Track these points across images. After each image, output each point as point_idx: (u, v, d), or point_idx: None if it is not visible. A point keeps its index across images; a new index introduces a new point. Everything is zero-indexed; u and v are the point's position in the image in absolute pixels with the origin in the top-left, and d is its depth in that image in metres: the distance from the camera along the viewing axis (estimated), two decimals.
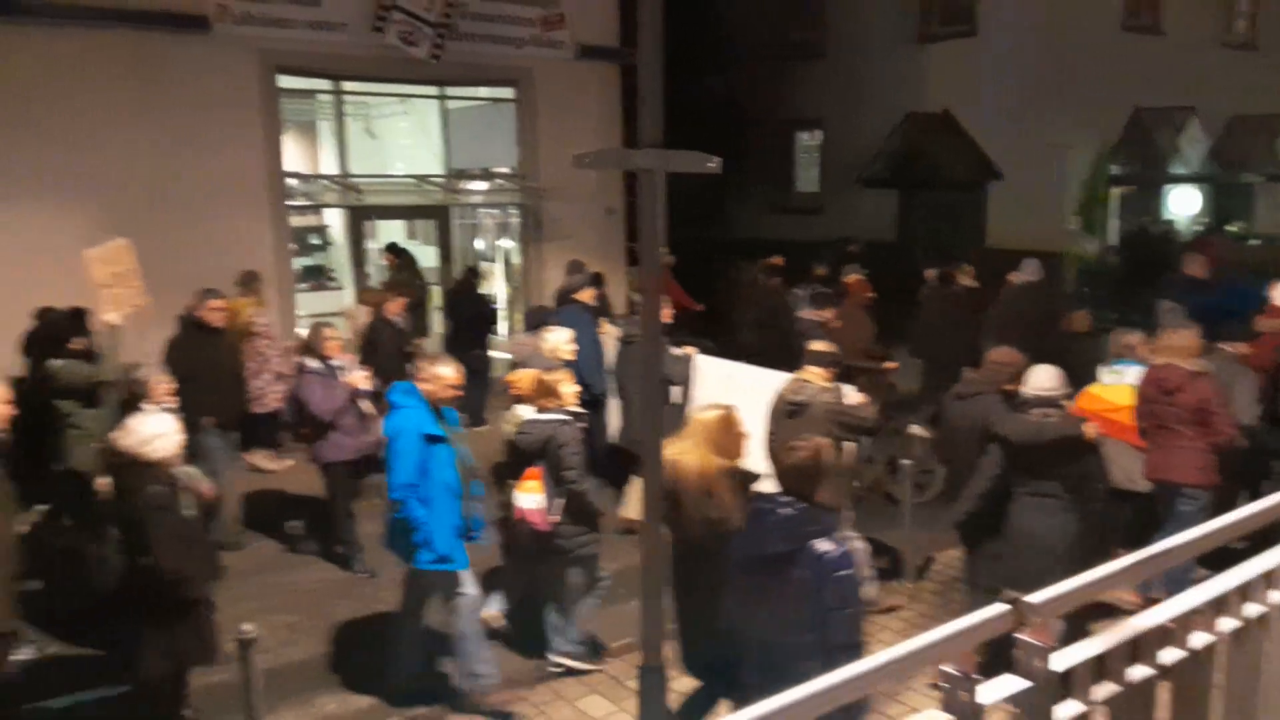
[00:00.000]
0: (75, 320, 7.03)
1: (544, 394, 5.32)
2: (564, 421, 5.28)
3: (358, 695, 5.36)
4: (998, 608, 2.33)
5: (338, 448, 6.53)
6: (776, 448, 3.67)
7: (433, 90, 11.68)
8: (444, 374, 5.10)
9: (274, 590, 6.28)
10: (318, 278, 11.81)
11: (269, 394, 8.10)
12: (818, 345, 6.10)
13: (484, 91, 12.04)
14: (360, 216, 11.40)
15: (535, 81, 11.66)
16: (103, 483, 4.56)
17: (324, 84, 11.07)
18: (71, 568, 5.25)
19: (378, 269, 11.39)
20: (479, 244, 12.82)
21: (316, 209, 11.63)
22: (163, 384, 5.56)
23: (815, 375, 5.85)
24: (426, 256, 11.91)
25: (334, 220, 11.89)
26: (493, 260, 12.56)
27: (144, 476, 4.19)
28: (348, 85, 11.26)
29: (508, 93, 11.81)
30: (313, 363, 6.59)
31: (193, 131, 9.41)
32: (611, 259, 11.97)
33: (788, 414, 5.75)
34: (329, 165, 11.77)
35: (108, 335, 6.51)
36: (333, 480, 6.69)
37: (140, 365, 5.89)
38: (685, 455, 4.24)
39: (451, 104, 11.92)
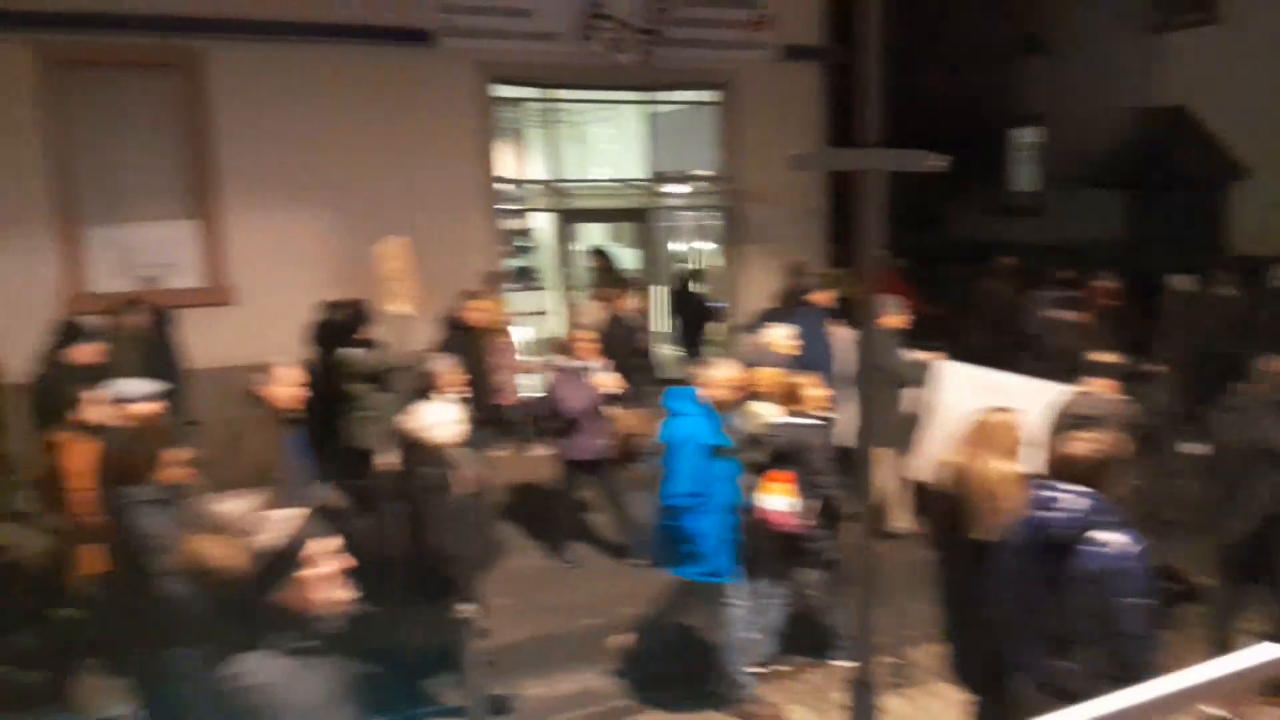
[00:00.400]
0: (358, 312, 7.56)
1: (788, 396, 5.19)
2: (813, 426, 5.13)
3: (562, 681, 5.49)
4: (1273, 648, 2.08)
5: (578, 446, 6.76)
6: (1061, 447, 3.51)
7: (638, 95, 11.84)
8: (725, 376, 4.99)
9: (494, 574, 6.49)
10: (525, 278, 12.21)
11: (508, 388, 8.39)
12: (1102, 356, 5.58)
13: (688, 95, 12.10)
14: (566, 219, 11.71)
15: (739, 84, 11.60)
16: (381, 461, 4.82)
17: (534, 92, 11.43)
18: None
19: (580, 270, 11.65)
20: (680, 246, 12.90)
21: (524, 212, 12.05)
22: (452, 376, 5.77)
23: (1100, 386, 5.35)
24: (628, 259, 12.09)
25: (540, 223, 12.27)
26: (691, 262, 12.61)
27: (422, 458, 4.40)
28: (557, 93, 11.58)
29: (711, 96, 11.81)
30: (564, 362, 6.86)
31: (415, 139, 9.93)
32: (812, 261, 11.72)
33: (1075, 428, 5.43)
34: (536, 170, 12.15)
35: (394, 324, 6.98)
36: (567, 475, 6.97)
37: (431, 356, 6.18)
38: (967, 459, 4.10)
39: (655, 107, 12.04)
